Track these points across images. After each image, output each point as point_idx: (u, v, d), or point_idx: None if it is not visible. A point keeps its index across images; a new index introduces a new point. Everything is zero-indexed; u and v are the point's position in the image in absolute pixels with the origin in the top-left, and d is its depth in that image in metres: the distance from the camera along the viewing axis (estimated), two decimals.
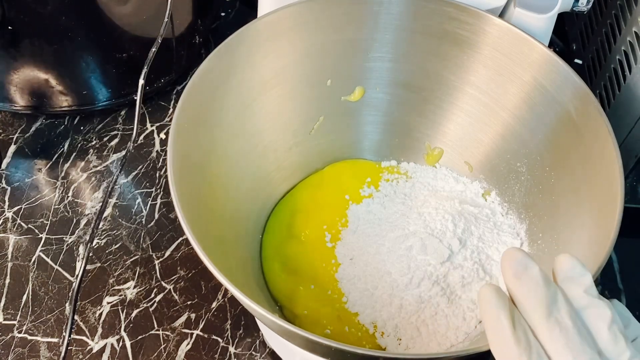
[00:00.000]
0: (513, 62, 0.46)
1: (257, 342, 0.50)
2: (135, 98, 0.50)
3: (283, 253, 0.48)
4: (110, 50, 0.58)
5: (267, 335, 0.49)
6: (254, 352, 0.49)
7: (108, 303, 0.51)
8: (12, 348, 0.49)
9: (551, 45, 0.64)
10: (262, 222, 0.50)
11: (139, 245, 0.55)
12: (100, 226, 0.55)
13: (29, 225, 0.56)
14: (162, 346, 0.49)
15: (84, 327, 0.50)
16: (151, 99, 0.65)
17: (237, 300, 0.38)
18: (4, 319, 0.50)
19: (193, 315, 0.51)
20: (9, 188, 0.58)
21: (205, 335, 0.50)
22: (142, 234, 0.55)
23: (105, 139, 0.62)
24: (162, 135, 0.62)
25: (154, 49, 0.49)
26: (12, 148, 0.61)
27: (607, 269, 0.55)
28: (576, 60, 0.62)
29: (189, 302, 0.51)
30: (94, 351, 0.49)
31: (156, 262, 0.54)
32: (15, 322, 0.50)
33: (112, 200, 0.57)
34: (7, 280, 0.52)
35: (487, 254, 0.45)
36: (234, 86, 0.45)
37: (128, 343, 0.49)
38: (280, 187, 0.52)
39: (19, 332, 0.50)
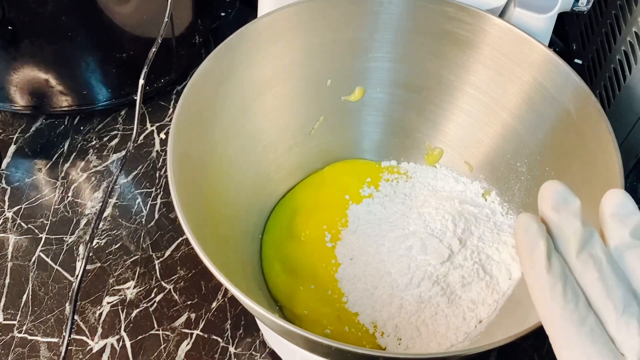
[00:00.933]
0: (513, 62, 0.46)
1: (257, 342, 0.50)
2: (135, 98, 0.50)
3: (283, 253, 0.48)
4: (110, 50, 0.58)
5: (267, 335, 0.49)
6: (254, 352, 0.49)
7: (108, 303, 0.51)
8: (12, 348, 0.49)
9: (551, 45, 0.64)
10: (262, 222, 0.50)
11: (139, 245, 0.55)
12: (100, 226, 0.55)
13: (29, 225, 0.56)
14: (162, 346, 0.49)
15: (84, 327, 0.50)
16: (151, 99, 0.65)
17: (237, 300, 0.38)
18: (4, 319, 0.50)
19: (193, 315, 0.51)
20: (9, 188, 0.58)
21: (205, 335, 0.50)
22: (142, 234, 0.55)
23: (105, 139, 0.62)
24: (162, 135, 0.62)
25: (154, 49, 0.49)
26: (12, 148, 0.61)
27: None
28: (576, 60, 0.62)
29: (189, 302, 0.51)
30: (94, 351, 0.49)
31: (156, 262, 0.54)
32: (15, 322, 0.50)
33: (112, 200, 0.57)
34: (7, 280, 0.52)
35: (487, 254, 0.45)
36: (234, 86, 0.45)
37: (128, 343, 0.49)
38: (280, 187, 0.52)
39: (19, 332, 0.50)
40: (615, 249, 0.27)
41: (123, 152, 0.61)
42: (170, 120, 0.58)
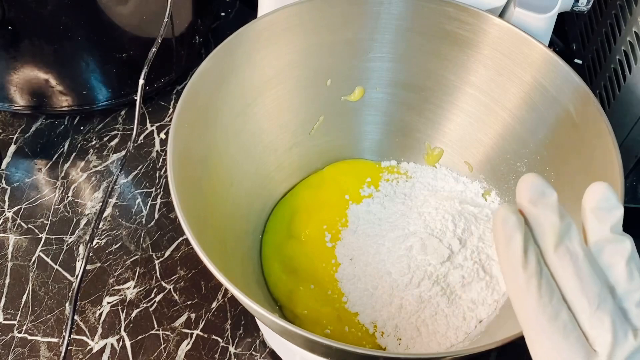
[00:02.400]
0: (513, 62, 0.46)
1: (257, 342, 0.50)
2: (135, 98, 0.50)
3: (283, 253, 0.48)
4: (110, 50, 0.58)
5: (267, 335, 0.49)
6: (254, 352, 0.49)
7: (108, 303, 0.51)
8: (12, 348, 0.49)
9: (551, 45, 0.64)
10: (262, 222, 0.50)
11: (139, 245, 0.55)
12: (100, 226, 0.55)
13: (29, 225, 0.56)
14: (162, 346, 0.49)
15: (84, 327, 0.50)
16: (151, 99, 0.65)
17: (237, 300, 0.38)
18: (4, 319, 0.50)
19: (193, 315, 0.51)
20: (9, 188, 0.58)
21: (205, 335, 0.50)
22: (142, 234, 0.55)
23: (105, 139, 0.62)
24: (162, 135, 0.62)
25: (154, 49, 0.49)
26: (12, 148, 0.61)
27: None
28: (576, 60, 0.62)
29: (189, 302, 0.51)
30: (94, 351, 0.49)
31: (156, 262, 0.54)
32: (15, 322, 0.50)
33: (112, 200, 0.57)
34: (7, 280, 0.52)
35: (487, 254, 0.45)
36: (234, 86, 0.45)
37: (128, 343, 0.49)
38: (280, 187, 0.52)
39: (19, 332, 0.50)
40: (595, 245, 0.27)
41: (123, 152, 0.61)
42: (170, 120, 0.58)
